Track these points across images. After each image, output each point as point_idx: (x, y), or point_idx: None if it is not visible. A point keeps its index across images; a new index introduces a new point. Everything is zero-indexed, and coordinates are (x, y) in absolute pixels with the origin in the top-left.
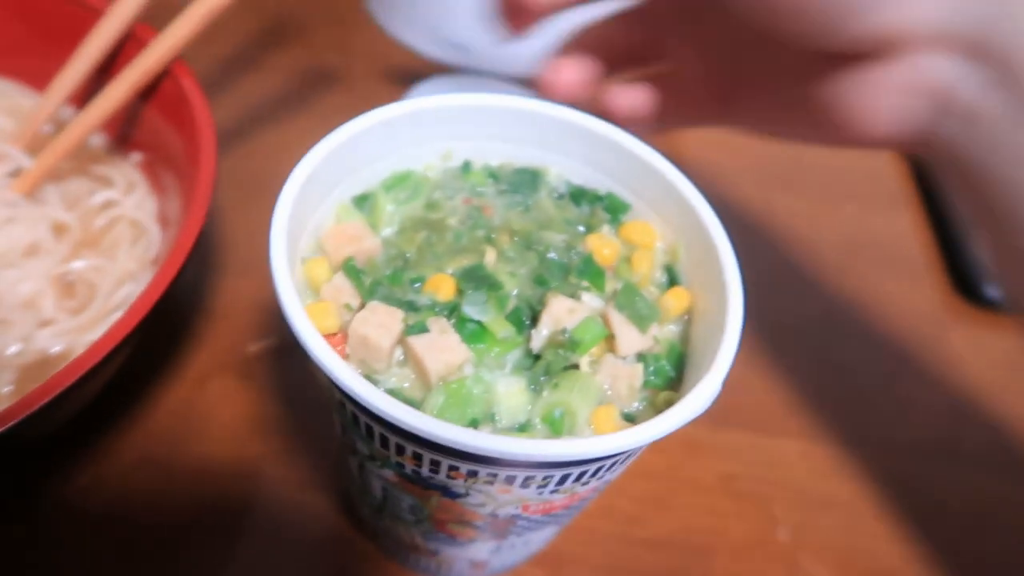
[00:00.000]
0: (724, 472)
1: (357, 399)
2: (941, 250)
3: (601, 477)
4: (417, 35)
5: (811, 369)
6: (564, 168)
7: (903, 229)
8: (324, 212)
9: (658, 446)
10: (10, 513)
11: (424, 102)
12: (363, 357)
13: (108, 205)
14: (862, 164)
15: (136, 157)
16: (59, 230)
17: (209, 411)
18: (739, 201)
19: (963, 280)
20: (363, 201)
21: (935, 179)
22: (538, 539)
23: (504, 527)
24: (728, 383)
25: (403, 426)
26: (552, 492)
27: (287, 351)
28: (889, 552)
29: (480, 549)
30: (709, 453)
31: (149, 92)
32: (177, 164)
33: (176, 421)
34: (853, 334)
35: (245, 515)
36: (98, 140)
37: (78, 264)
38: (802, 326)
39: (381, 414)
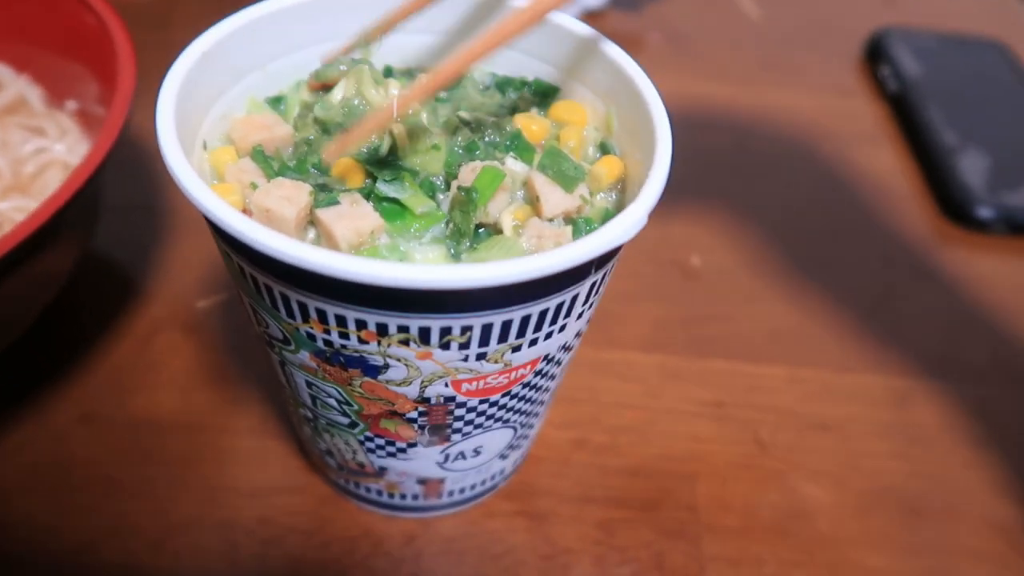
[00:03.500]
0: (706, 400)
1: (221, 225)
2: (928, 180)
3: (533, 342)
4: None
5: (794, 299)
6: (489, 61)
7: (887, 163)
8: (232, 102)
9: (632, 376)
10: None
11: None
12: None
13: (40, 152)
14: (838, 107)
15: (72, 106)
16: None
17: (155, 365)
18: (709, 145)
19: (953, 205)
20: (277, 102)
21: (919, 115)
22: (491, 447)
23: (441, 419)
24: (709, 314)
25: (277, 255)
26: (479, 359)
27: (237, 306)
28: (890, 470)
29: (425, 458)
30: (689, 382)
31: (78, 43)
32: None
33: (120, 375)
34: (839, 263)
35: (194, 466)
36: (34, 94)
37: (3, 205)
38: (782, 258)
39: (249, 241)
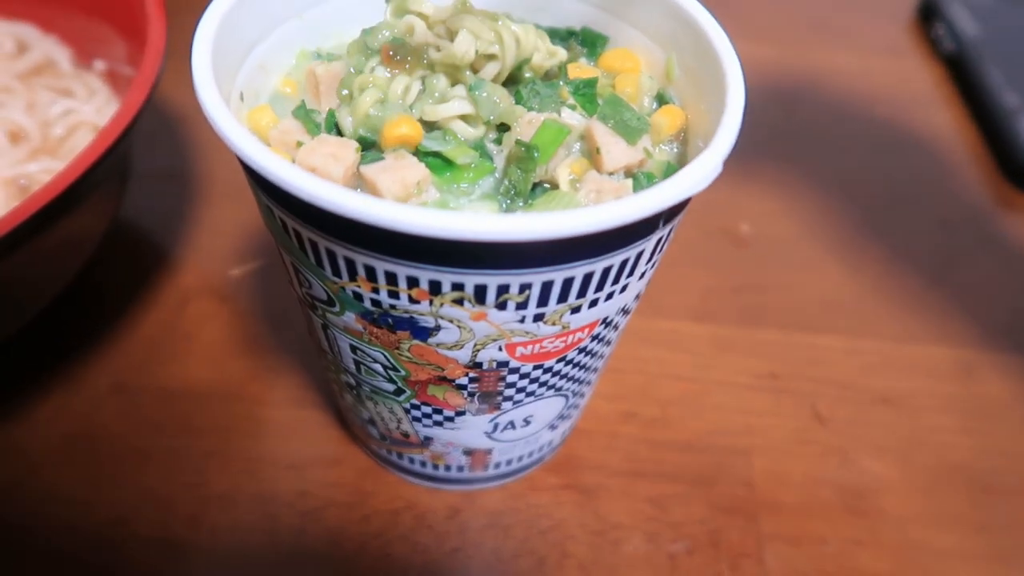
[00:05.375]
0: (759, 371)
1: (263, 173)
2: (988, 143)
3: (594, 303)
4: None
5: (851, 266)
6: (532, 11)
7: (945, 126)
8: (269, 52)
9: (681, 346)
10: None
11: None
12: None
13: (68, 113)
14: (891, 69)
15: (100, 66)
16: (16, 137)
17: (189, 334)
18: (758, 106)
19: (1016, 168)
20: (326, 57)
21: (977, 76)
22: (542, 416)
23: (492, 386)
24: (763, 283)
25: (324, 204)
26: (536, 320)
27: (271, 274)
28: (957, 445)
29: (473, 427)
30: (742, 352)
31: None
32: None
33: (153, 345)
34: (897, 229)
35: (229, 438)
36: (62, 55)
37: (32, 167)
38: (838, 225)
39: (293, 190)
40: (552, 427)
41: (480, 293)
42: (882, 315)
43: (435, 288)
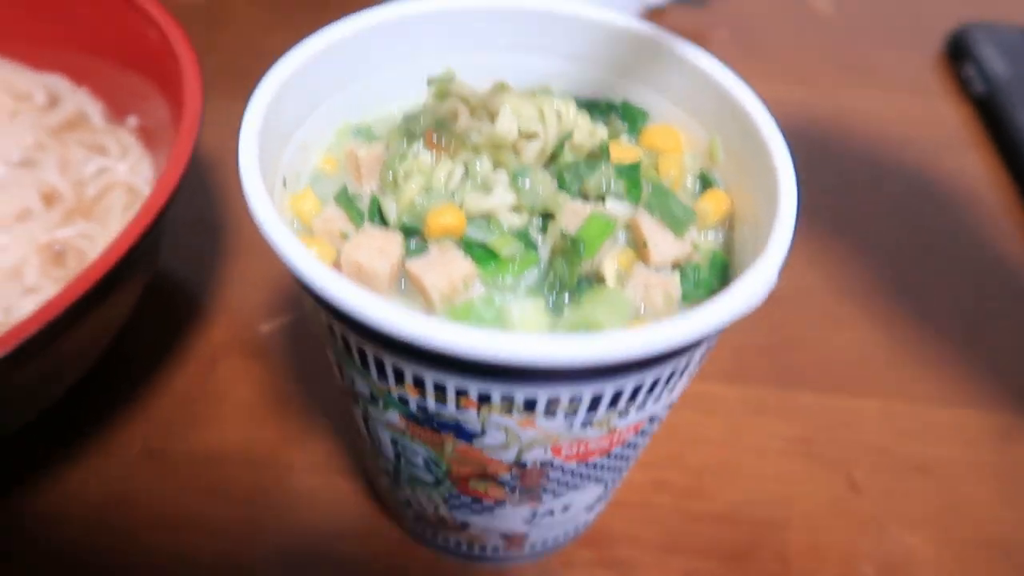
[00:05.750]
0: (794, 436)
1: (331, 300)
2: (1019, 189)
3: (642, 406)
4: None
5: (883, 324)
6: (571, 80)
7: (975, 172)
8: (311, 130)
9: (714, 409)
10: (2, 504)
11: (418, 6)
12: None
13: (102, 172)
14: (920, 110)
15: (133, 122)
16: (50, 198)
17: (219, 394)
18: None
19: None
20: (366, 134)
21: (1010, 120)
22: (580, 503)
23: (535, 482)
24: (793, 341)
25: (380, 327)
26: (584, 426)
27: (301, 328)
28: (998, 519)
29: (512, 516)
30: (776, 416)
31: (140, 56)
32: (171, 128)
33: (184, 406)
34: (930, 283)
35: (261, 505)
36: (94, 109)
37: (65, 232)
38: (869, 278)
39: (357, 314)
40: (589, 509)
41: (530, 404)
42: (916, 375)
43: (484, 398)
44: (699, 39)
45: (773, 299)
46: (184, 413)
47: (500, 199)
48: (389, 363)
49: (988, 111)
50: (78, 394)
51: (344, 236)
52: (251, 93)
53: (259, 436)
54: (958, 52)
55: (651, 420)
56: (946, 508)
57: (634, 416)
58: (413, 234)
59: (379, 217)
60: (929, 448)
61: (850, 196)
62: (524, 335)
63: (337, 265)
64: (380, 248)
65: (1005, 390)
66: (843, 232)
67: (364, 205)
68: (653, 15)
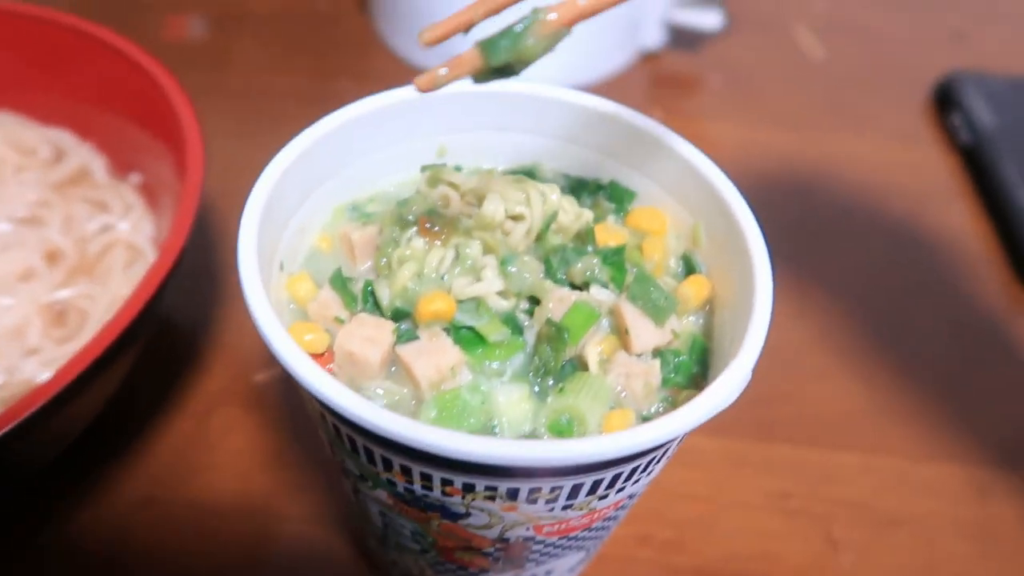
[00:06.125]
0: (775, 490)
1: (326, 402)
2: (1003, 243)
3: (621, 489)
4: (431, 56)
5: (864, 376)
6: (562, 159)
7: (959, 223)
8: (308, 213)
9: (697, 463)
10: (3, 554)
11: (410, 91)
12: (351, 375)
13: (105, 229)
14: (906, 158)
15: (135, 179)
16: (53, 256)
17: (214, 444)
18: (773, 200)
19: None
20: (363, 215)
21: (994, 170)
22: (562, 567)
23: (518, 554)
24: (775, 393)
25: (373, 429)
26: (565, 508)
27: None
28: (974, 574)
29: None
30: (757, 470)
31: (145, 113)
32: (173, 186)
33: (180, 455)
34: (910, 335)
35: (254, 555)
36: (98, 164)
37: (67, 292)
38: (851, 329)
39: (350, 416)
40: (572, 570)
41: (512, 493)
42: (896, 429)
43: (468, 487)
44: (692, 83)
45: None
46: (181, 462)
47: (489, 284)
48: (378, 453)
49: (974, 161)
50: (78, 444)
51: (339, 320)
52: (252, 134)
53: (253, 486)
54: (946, 101)
55: (631, 497)
56: (924, 564)
57: (613, 498)
58: (404, 317)
59: (372, 300)
60: (907, 503)
61: (835, 245)
62: (506, 441)
63: (330, 351)
64: (371, 337)
65: (984, 445)
66: (826, 283)
67: (358, 287)
68: (648, 59)
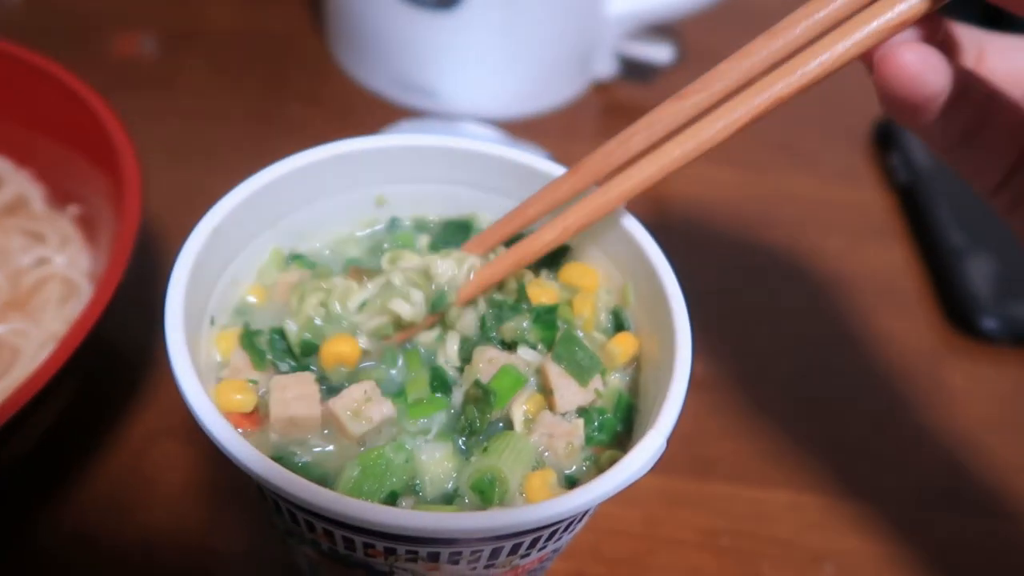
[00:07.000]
0: (706, 528)
1: (250, 473)
2: (934, 282)
3: (543, 548)
4: (384, 81)
5: (797, 414)
6: (498, 212)
7: (893, 261)
8: (241, 266)
9: (633, 500)
10: None
11: (353, 144)
12: (295, 436)
13: (40, 263)
14: (846, 196)
15: (74, 210)
16: None
17: (152, 478)
18: (714, 237)
19: (958, 312)
20: (303, 262)
21: (928, 210)
22: None
23: None
24: (711, 431)
25: (292, 500)
26: (488, 567)
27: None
28: None
29: None
30: (690, 507)
31: (82, 141)
32: (111, 219)
33: (116, 490)
34: (842, 373)
35: None
36: (35, 194)
37: (0, 328)
38: (786, 367)
39: (270, 487)
40: None
41: (433, 556)
42: (825, 467)
43: (390, 551)
44: (643, 114)
45: (693, 388)
46: (115, 497)
47: (419, 307)
48: (301, 517)
49: (910, 201)
50: (6, 481)
51: (253, 384)
52: (202, 156)
53: (189, 523)
54: (886, 140)
55: (555, 551)
56: None
57: (536, 555)
58: (312, 351)
59: (282, 344)
60: (833, 540)
61: (774, 283)
62: (421, 514)
63: (256, 410)
64: (301, 395)
65: (909, 483)
66: (760, 321)
67: (263, 342)
68: (599, 89)
